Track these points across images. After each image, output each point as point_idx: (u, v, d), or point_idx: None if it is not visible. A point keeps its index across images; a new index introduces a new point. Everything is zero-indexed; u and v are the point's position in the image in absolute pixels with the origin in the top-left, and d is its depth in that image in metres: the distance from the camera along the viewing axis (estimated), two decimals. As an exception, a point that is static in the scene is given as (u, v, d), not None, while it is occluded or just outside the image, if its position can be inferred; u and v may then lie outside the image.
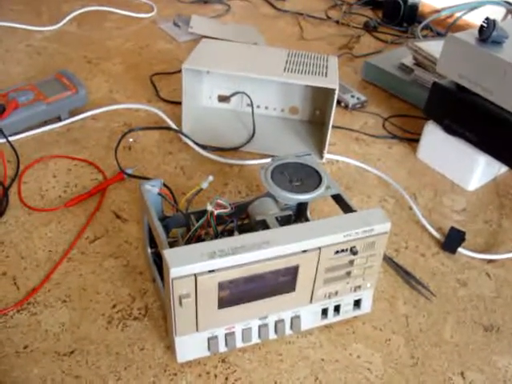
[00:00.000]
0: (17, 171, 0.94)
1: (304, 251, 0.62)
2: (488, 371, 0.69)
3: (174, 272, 0.56)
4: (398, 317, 0.75)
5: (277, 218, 0.68)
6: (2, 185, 0.90)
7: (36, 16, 1.54)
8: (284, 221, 0.69)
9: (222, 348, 0.66)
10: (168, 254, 0.57)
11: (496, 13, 1.53)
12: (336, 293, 0.69)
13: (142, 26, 1.55)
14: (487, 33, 0.89)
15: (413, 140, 1.12)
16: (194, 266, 0.57)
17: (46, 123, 1.06)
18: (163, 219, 0.72)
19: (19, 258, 0.78)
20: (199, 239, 0.68)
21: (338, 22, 1.69)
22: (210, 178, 0.70)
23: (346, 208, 0.71)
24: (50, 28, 1.47)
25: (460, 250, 0.86)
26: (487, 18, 0.89)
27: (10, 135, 1.01)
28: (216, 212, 0.66)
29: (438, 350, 0.71)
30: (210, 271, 0.58)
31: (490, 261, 0.86)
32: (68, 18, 1.53)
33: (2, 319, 0.69)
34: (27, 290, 0.74)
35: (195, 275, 0.57)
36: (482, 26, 0.90)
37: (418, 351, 0.71)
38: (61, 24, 1.50)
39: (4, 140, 0.99)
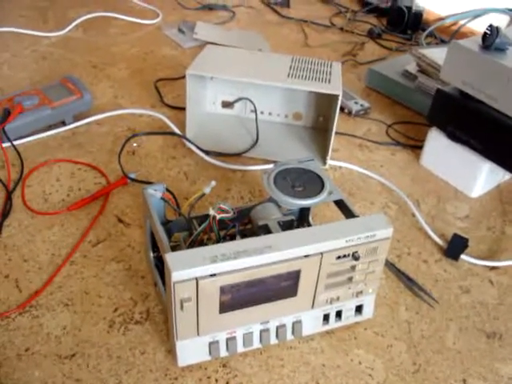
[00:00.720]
0: (21, 175, 0.94)
1: (306, 256, 0.62)
2: (490, 378, 0.69)
3: (176, 276, 0.56)
4: (400, 323, 0.75)
5: (279, 223, 0.68)
6: (5, 188, 0.91)
7: (42, 22, 1.55)
8: (286, 226, 0.69)
9: (223, 352, 0.66)
10: (170, 257, 0.57)
11: (500, 20, 1.53)
12: (338, 298, 0.69)
13: (147, 32, 1.56)
14: (490, 40, 0.89)
15: (416, 147, 1.12)
16: (196, 270, 0.57)
17: (50, 127, 1.07)
18: (166, 223, 0.72)
19: (22, 261, 0.78)
20: (201, 244, 0.68)
21: (342, 29, 1.69)
22: (213, 183, 0.70)
23: (349, 213, 0.71)
24: (56, 34, 1.48)
25: (463, 256, 0.86)
26: (490, 25, 0.90)
27: (15, 139, 1.01)
28: (218, 216, 0.66)
29: (440, 356, 0.71)
30: (212, 275, 0.58)
31: (492, 268, 0.85)
32: (74, 24, 1.54)
33: (4, 322, 0.69)
34: (29, 292, 0.74)
35: (197, 279, 0.57)
36: (485, 33, 0.90)
37: (419, 358, 0.71)
38: (66, 30, 1.51)
39: (9, 144, 1.00)
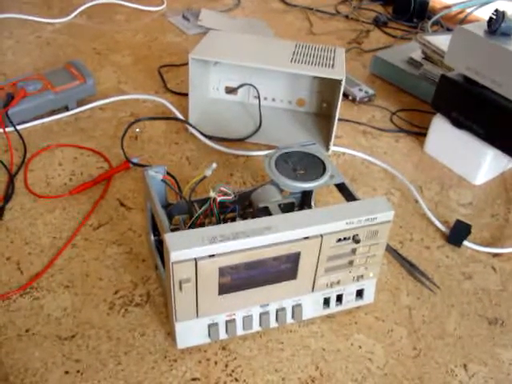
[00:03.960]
0: (23, 159, 0.94)
1: (306, 238, 0.61)
2: (491, 364, 0.69)
3: (175, 256, 0.56)
4: (401, 308, 0.75)
5: (279, 206, 0.67)
6: (8, 172, 0.91)
7: (47, 8, 1.55)
8: (287, 208, 0.68)
9: (223, 335, 0.66)
10: (169, 237, 0.57)
11: (507, 8, 1.51)
12: (338, 282, 0.69)
13: (152, 19, 1.55)
14: (496, 24, 0.88)
15: (420, 134, 1.11)
16: (195, 251, 0.57)
17: (53, 112, 1.06)
18: (166, 206, 0.72)
19: (23, 244, 0.79)
20: (201, 227, 0.68)
21: (347, 16, 1.68)
22: (214, 165, 0.70)
23: (350, 197, 0.71)
24: (61, 20, 1.48)
25: (465, 243, 0.85)
26: (496, 10, 0.89)
27: (18, 123, 1.01)
28: (219, 199, 0.66)
29: (440, 342, 0.71)
30: (211, 256, 0.58)
31: (495, 254, 0.85)
32: (78, 11, 1.53)
33: (5, 303, 0.70)
34: (31, 274, 0.74)
35: (195, 260, 0.57)
36: (490, 18, 0.89)
37: (420, 343, 0.70)
38: (71, 16, 1.50)
39: (12, 128, 1.00)
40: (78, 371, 0.63)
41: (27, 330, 0.67)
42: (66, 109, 1.08)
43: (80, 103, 1.09)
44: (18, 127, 1.01)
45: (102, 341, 0.66)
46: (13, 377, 0.61)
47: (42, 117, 1.05)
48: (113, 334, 0.67)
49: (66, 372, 0.63)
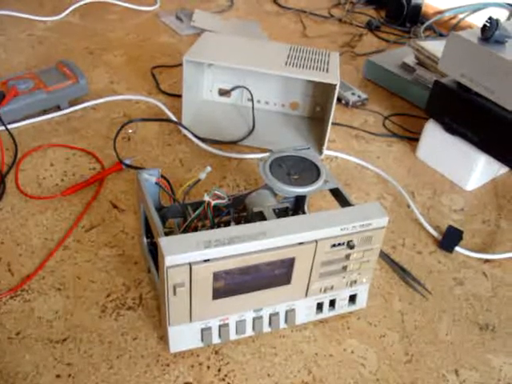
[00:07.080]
0: (14, 159, 0.94)
1: (300, 243, 0.61)
2: (482, 370, 0.69)
3: (169, 260, 0.55)
4: (394, 313, 0.75)
5: (274, 210, 0.67)
6: (-1, 172, 0.90)
7: (39, 6, 1.54)
8: (281, 213, 0.68)
9: (216, 339, 0.66)
10: (163, 242, 0.57)
11: (499, 15, 1.53)
12: (332, 287, 0.69)
13: (145, 19, 1.54)
14: (490, 32, 0.89)
15: (413, 139, 1.12)
16: (189, 255, 0.56)
17: (45, 112, 1.06)
18: (160, 209, 0.71)
19: (14, 245, 0.78)
20: (195, 231, 0.67)
21: (340, 20, 1.68)
22: (208, 168, 0.70)
23: (344, 202, 0.71)
24: (53, 18, 1.47)
25: (457, 248, 0.86)
26: (490, 18, 0.89)
27: (9, 123, 1.00)
28: (213, 203, 0.66)
29: (432, 347, 0.71)
30: (205, 260, 0.57)
31: (486, 260, 0.85)
32: (71, 9, 1.52)
33: (-5, 305, 0.69)
34: (21, 276, 0.73)
35: (190, 264, 0.57)
36: (484, 25, 0.90)
37: (412, 348, 0.71)
38: (63, 15, 1.49)
39: (3, 127, 0.99)
40: (70, 375, 0.62)
41: (18, 333, 0.66)
42: (58, 108, 1.07)
43: (72, 103, 1.08)
44: (9, 126, 1.00)
45: (93, 344, 0.66)
46: (3, 381, 0.61)
47: (33, 116, 1.04)
48: (105, 337, 0.67)
49: (58, 376, 0.62)
